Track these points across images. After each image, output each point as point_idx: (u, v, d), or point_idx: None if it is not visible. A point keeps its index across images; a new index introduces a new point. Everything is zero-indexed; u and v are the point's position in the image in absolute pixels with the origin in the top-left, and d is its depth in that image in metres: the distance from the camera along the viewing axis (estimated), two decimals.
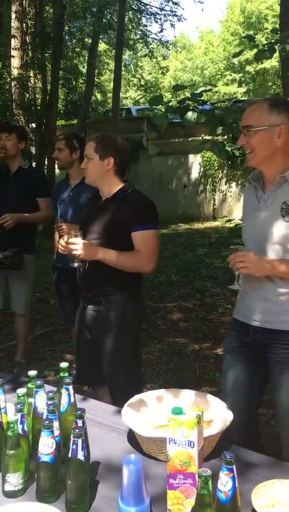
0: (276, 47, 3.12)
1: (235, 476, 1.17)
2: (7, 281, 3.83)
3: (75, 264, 2.34)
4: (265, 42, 3.47)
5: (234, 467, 1.16)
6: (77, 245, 2.25)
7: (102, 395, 2.55)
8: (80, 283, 2.48)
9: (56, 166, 3.56)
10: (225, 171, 12.75)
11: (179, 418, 1.28)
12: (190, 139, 11.84)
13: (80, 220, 2.56)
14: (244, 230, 2.05)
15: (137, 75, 31.08)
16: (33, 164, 10.96)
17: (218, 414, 1.60)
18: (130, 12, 15.60)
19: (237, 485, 1.17)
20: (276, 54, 3.48)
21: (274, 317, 1.91)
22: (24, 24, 11.69)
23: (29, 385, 1.60)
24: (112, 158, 2.36)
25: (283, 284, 1.88)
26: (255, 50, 3.34)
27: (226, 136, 3.50)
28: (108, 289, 2.37)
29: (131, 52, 23.39)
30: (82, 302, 2.52)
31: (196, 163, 13.15)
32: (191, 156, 13.12)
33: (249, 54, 20.56)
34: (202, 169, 13.07)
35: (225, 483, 1.16)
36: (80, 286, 2.50)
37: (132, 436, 1.61)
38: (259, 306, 1.94)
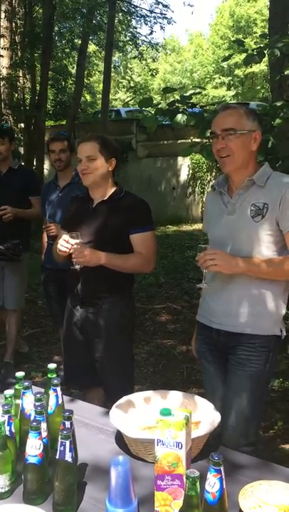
0: (265, 51, 3.15)
1: (223, 477, 1.17)
2: (3, 276, 3.85)
3: (77, 267, 2.30)
4: (254, 46, 3.50)
5: (222, 468, 1.17)
6: (81, 253, 2.22)
7: (92, 397, 2.52)
8: (74, 285, 2.43)
9: (55, 167, 3.52)
10: (214, 174, 12.80)
11: (167, 419, 1.28)
12: (179, 141, 11.87)
13: (70, 223, 2.49)
14: (212, 236, 2.07)
15: (127, 77, 31.07)
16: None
17: (206, 416, 1.60)
18: (120, 14, 15.59)
19: (224, 486, 1.18)
20: (265, 58, 3.51)
21: (236, 320, 1.94)
22: (13, 24, 11.63)
23: (16, 386, 1.59)
24: (115, 159, 2.39)
25: (246, 287, 1.91)
26: (244, 54, 3.36)
27: None
28: (106, 290, 2.37)
29: (121, 54, 23.40)
30: (72, 304, 2.49)
31: (184, 165, 13.19)
32: (180, 159, 13.16)
33: (238, 58, 20.66)
34: (191, 171, 13.12)
35: (212, 484, 1.16)
36: (73, 289, 2.45)
37: (120, 438, 1.61)
38: (222, 308, 1.98)
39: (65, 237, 2.28)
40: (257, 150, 1.95)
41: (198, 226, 12.47)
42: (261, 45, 3.26)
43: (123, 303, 2.44)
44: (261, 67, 25.59)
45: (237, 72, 30.55)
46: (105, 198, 2.40)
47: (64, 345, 2.60)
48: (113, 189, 2.42)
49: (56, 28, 14.04)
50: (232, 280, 1.93)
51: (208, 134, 2.95)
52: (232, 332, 1.95)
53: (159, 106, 3.31)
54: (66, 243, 2.26)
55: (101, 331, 2.39)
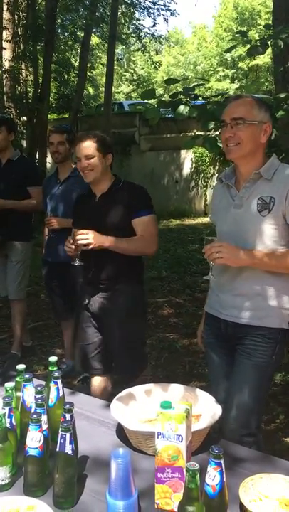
0: (269, 42, 3.12)
1: (223, 470, 1.17)
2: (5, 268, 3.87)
3: (76, 263, 2.45)
4: (258, 38, 3.46)
5: (222, 461, 1.16)
6: (86, 235, 2.35)
7: (98, 386, 2.63)
8: (88, 271, 2.55)
9: (53, 159, 3.52)
10: (217, 167, 12.76)
11: (167, 412, 1.28)
12: (182, 134, 11.83)
13: (79, 219, 2.61)
14: (219, 229, 2.07)
15: (130, 70, 30.96)
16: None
17: (207, 409, 1.60)
18: (123, 6, 15.51)
19: (225, 479, 1.17)
20: (269, 51, 3.48)
21: (245, 312, 1.94)
22: (16, 16, 11.56)
23: (17, 378, 1.59)
24: (111, 154, 2.53)
25: (255, 279, 1.91)
26: (248, 46, 3.33)
27: (218, 132, 3.50)
28: (118, 275, 2.51)
29: (124, 47, 23.28)
30: (85, 289, 2.61)
31: (187, 158, 13.15)
32: (183, 152, 13.12)
33: (242, 50, 20.51)
34: (194, 165, 13.08)
35: (213, 477, 1.16)
36: (87, 275, 2.56)
37: (120, 431, 1.60)
38: (231, 300, 1.97)
39: (68, 239, 2.43)
40: (265, 142, 1.93)
41: (201, 220, 12.45)
42: (265, 37, 3.23)
43: (135, 288, 2.59)
44: (265, 59, 25.44)
45: (241, 64, 30.38)
46: (105, 191, 2.53)
47: (81, 333, 2.67)
48: (112, 180, 2.56)
49: (59, 21, 13.99)
50: (241, 273, 1.92)
51: (211, 126, 2.95)
52: (240, 323, 1.95)
53: (162, 98, 3.28)
54: (71, 244, 2.41)
55: (114, 313, 2.51)
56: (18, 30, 11.74)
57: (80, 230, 2.38)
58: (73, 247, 2.40)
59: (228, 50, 3.70)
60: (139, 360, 2.67)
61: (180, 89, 3.21)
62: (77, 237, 2.36)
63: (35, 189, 3.71)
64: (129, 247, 2.46)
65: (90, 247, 2.37)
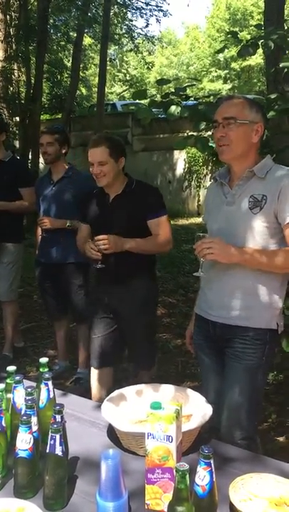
0: (259, 43, 3.13)
1: (213, 470, 1.17)
2: None
3: (98, 266, 2.52)
4: (250, 39, 3.47)
5: (212, 461, 1.17)
6: (106, 240, 2.42)
7: (102, 375, 2.73)
8: (107, 266, 2.57)
9: (44, 160, 3.52)
10: (210, 167, 12.77)
11: (157, 413, 1.28)
12: (175, 134, 11.83)
13: (91, 217, 2.69)
14: (211, 226, 2.07)
15: (123, 70, 30.94)
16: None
17: (198, 409, 1.60)
18: (116, 6, 15.50)
19: (214, 479, 1.18)
20: (261, 51, 3.48)
21: (233, 312, 1.94)
22: (8, 16, 11.50)
23: (8, 380, 1.58)
24: (124, 157, 2.59)
25: (242, 279, 1.91)
26: (239, 47, 3.33)
27: (210, 132, 3.51)
28: (134, 270, 2.60)
29: (116, 47, 23.27)
30: (103, 283, 2.70)
31: (180, 159, 13.16)
32: (176, 152, 13.13)
33: (234, 51, 20.56)
34: (187, 165, 13.09)
35: (202, 477, 1.16)
36: (106, 270, 2.58)
37: (111, 432, 1.60)
38: (219, 300, 1.97)
39: (93, 246, 2.47)
40: (258, 142, 1.94)
41: (194, 220, 12.46)
42: (255, 37, 3.24)
43: (149, 282, 2.72)
44: (258, 60, 25.50)
45: (233, 65, 30.44)
46: (119, 192, 2.59)
47: (100, 329, 2.73)
48: (125, 182, 2.62)
49: (51, 21, 13.93)
50: (228, 272, 1.92)
51: (202, 127, 2.96)
52: (228, 324, 1.95)
53: (154, 98, 3.28)
54: (96, 252, 2.47)
55: (132, 304, 2.62)
56: (11, 30, 11.67)
57: (99, 234, 2.45)
58: (97, 251, 2.46)
59: (219, 51, 3.71)
60: (153, 351, 2.89)
61: (172, 90, 3.21)
62: (98, 242, 2.43)
63: (27, 190, 3.69)
64: (147, 248, 2.57)
65: (111, 251, 2.44)
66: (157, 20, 20.37)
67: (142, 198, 2.57)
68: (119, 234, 2.48)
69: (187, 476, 1.09)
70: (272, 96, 3.13)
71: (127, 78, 30.11)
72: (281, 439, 2.91)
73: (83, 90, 23.21)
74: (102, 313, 2.71)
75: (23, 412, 1.39)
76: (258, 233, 1.88)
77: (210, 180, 12.97)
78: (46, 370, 1.60)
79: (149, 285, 2.72)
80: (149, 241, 2.58)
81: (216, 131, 1.93)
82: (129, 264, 2.56)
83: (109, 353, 2.72)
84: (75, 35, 14.39)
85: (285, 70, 3.32)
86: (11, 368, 1.60)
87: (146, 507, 1.28)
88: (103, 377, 2.74)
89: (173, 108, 2.92)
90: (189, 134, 3.40)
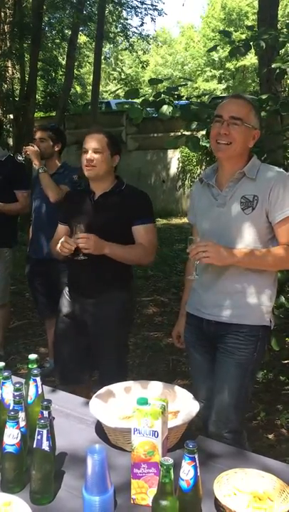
0: (251, 43, 3.15)
1: (197, 465, 1.19)
2: None
3: (81, 258, 2.27)
4: (244, 39, 3.49)
5: (196, 456, 1.18)
6: (86, 239, 2.20)
7: (81, 392, 2.44)
8: (76, 276, 2.44)
9: None
10: (203, 167, 12.79)
11: (143, 408, 1.29)
12: (169, 134, 11.84)
13: (70, 217, 2.44)
14: (201, 229, 2.07)
15: (118, 69, 30.89)
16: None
17: (185, 405, 1.62)
18: (110, 4, 15.46)
19: (199, 474, 1.19)
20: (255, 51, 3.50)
21: (226, 310, 1.96)
22: (2, 13, 11.47)
23: None
24: (119, 156, 2.44)
25: (238, 277, 1.93)
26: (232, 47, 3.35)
27: (204, 132, 3.52)
28: (108, 282, 2.39)
29: (111, 46, 23.20)
30: (72, 294, 2.49)
31: (174, 158, 13.17)
32: (170, 152, 13.13)
33: (228, 50, 20.61)
34: (181, 164, 13.09)
35: (187, 471, 1.18)
36: (75, 280, 2.45)
37: (99, 428, 1.62)
38: (213, 299, 2.00)
39: (69, 240, 2.25)
40: (252, 148, 1.97)
41: (187, 219, 12.47)
42: (247, 38, 3.26)
43: (124, 295, 2.47)
44: (252, 60, 25.53)
45: (228, 65, 30.46)
46: (107, 191, 2.41)
47: (58, 338, 2.56)
48: (114, 182, 2.45)
49: (46, 19, 13.87)
50: (222, 272, 1.95)
51: (194, 126, 2.97)
52: (221, 322, 1.97)
53: (147, 97, 3.29)
54: (69, 245, 2.22)
55: (101, 321, 2.40)
56: (5, 27, 11.65)
57: (81, 232, 2.22)
58: (73, 246, 2.22)
59: (211, 50, 3.73)
60: (123, 370, 2.54)
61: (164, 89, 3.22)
62: (78, 241, 2.21)
63: (22, 193, 3.62)
64: (128, 256, 2.36)
65: (89, 251, 2.22)
66: (152, 19, 20.33)
67: (131, 201, 2.39)
68: (99, 235, 2.26)
69: (172, 470, 1.11)
70: (264, 97, 3.15)
71: (122, 77, 30.07)
72: (270, 436, 2.94)
73: (78, 88, 23.14)
74: (68, 329, 2.49)
75: (11, 407, 1.40)
76: (250, 233, 1.90)
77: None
78: (35, 366, 1.61)
79: (123, 299, 2.46)
80: (132, 249, 2.36)
81: (218, 126, 1.92)
82: (102, 274, 2.35)
83: (79, 372, 2.50)
84: (70, 33, 14.34)
85: (277, 70, 3.34)
86: (0, 364, 1.60)
87: (131, 501, 1.30)
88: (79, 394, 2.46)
89: (165, 107, 2.94)
90: (183, 133, 3.42)
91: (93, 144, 2.34)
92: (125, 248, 2.34)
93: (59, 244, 2.28)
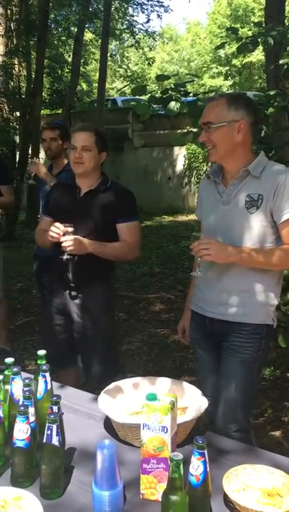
0: (259, 40, 3.13)
1: (207, 460, 1.19)
2: None
3: (65, 257, 2.37)
4: (251, 35, 3.47)
5: (205, 452, 1.19)
6: (69, 242, 2.30)
7: (66, 380, 2.52)
8: (62, 272, 2.51)
9: (46, 156, 3.53)
10: (209, 164, 12.75)
11: (152, 404, 1.30)
12: (175, 131, 11.81)
13: (55, 210, 2.55)
14: (206, 225, 2.08)
15: (124, 66, 30.85)
16: (17, 153, 10.87)
17: (194, 402, 1.62)
18: (116, 1, 15.42)
19: (208, 469, 1.20)
20: (262, 48, 3.49)
21: (230, 309, 1.96)
22: (9, 11, 11.48)
23: (6, 372, 1.60)
24: (106, 153, 2.49)
25: (241, 276, 1.93)
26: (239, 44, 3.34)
27: None
28: (92, 276, 2.48)
29: (117, 43, 23.20)
30: (58, 288, 2.58)
31: (180, 155, 13.15)
32: (176, 149, 13.11)
33: (235, 47, 20.51)
34: (187, 162, 13.07)
35: (196, 467, 1.18)
36: (61, 275, 2.52)
37: (108, 423, 1.62)
38: (217, 297, 1.99)
39: (57, 224, 2.35)
40: (245, 139, 1.92)
41: (193, 216, 12.44)
42: (255, 34, 3.24)
43: (106, 287, 2.59)
44: (259, 56, 25.41)
45: (234, 61, 30.31)
46: (93, 188, 2.47)
47: (51, 330, 2.64)
48: (100, 179, 2.50)
49: (52, 16, 13.88)
50: (226, 270, 1.94)
51: None
52: (225, 320, 1.97)
53: (154, 94, 3.29)
54: (57, 229, 2.33)
55: (87, 312, 2.51)
56: (11, 25, 11.67)
57: (66, 229, 2.31)
58: (60, 233, 2.31)
59: (219, 47, 3.72)
60: (111, 362, 2.59)
61: (172, 85, 3.21)
62: (62, 239, 2.30)
63: (6, 188, 3.75)
64: (110, 253, 2.45)
65: (73, 252, 2.33)
66: (158, 15, 20.30)
67: (116, 199, 2.45)
68: (83, 231, 2.37)
69: (181, 465, 1.11)
70: (271, 93, 3.13)
71: (128, 74, 30.04)
72: (277, 433, 2.94)
73: (84, 85, 23.17)
74: (55, 318, 2.59)
75: (20, 402, 1.41)
76: (254, 232, 1.90)
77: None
78: (44, 362, 1.62)
79: (106, 290, 2.57)
80: (114, 246, 2.45)
81: (201, 135, 1.96)
82: (87, 270, 2.44)
83: (62, 357, 2.56)
84: (76, 30, 14.33)
85: (285, 66, 3.32)
86: (9, 360, 1.62)
87: (141, 496, 1.30)
88: (69, 378, 2.56)
89: (172, 104, 2.93)
90: (189, 129, 3.41)
91: (81, 142, 2.40)
92: (108, 246, 2.43)
93: (50, 231, 2.35)
